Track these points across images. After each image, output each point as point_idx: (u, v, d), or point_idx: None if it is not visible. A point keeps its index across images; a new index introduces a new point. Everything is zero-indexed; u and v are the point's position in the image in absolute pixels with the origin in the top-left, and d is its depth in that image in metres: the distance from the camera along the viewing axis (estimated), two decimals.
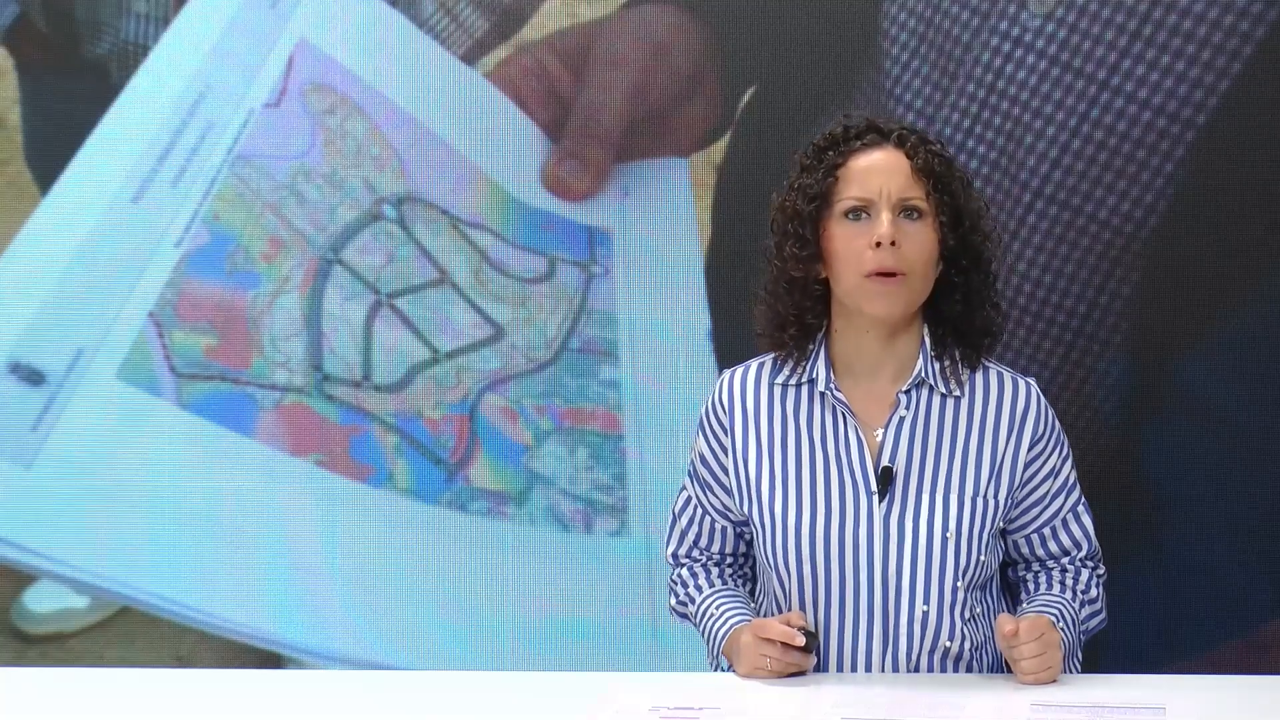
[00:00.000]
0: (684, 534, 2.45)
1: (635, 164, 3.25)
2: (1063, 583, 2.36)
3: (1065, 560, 2.38)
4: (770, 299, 2.34)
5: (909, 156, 2.26)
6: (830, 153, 2.29)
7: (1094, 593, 2.38)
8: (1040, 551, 2.38)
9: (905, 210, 2.25)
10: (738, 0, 3.18)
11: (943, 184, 2.25)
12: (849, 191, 2.26)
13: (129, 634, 3.32)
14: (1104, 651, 3.01)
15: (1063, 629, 2.26)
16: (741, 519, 2.38)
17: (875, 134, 2.29)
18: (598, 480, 3.25)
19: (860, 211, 2.25)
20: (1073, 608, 2.32)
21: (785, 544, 2.30)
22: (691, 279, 3.24)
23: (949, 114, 3.14)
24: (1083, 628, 2.36)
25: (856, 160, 2.27)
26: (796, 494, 2.31)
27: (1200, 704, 2.11)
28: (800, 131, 2.38)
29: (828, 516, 2.29)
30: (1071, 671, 2.31)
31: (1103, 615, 2.40)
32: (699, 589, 2.41)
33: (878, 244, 2.22)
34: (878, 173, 2.26)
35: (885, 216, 2.23)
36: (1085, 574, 2.37)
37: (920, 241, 2.24)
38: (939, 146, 2.30)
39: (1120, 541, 3.05)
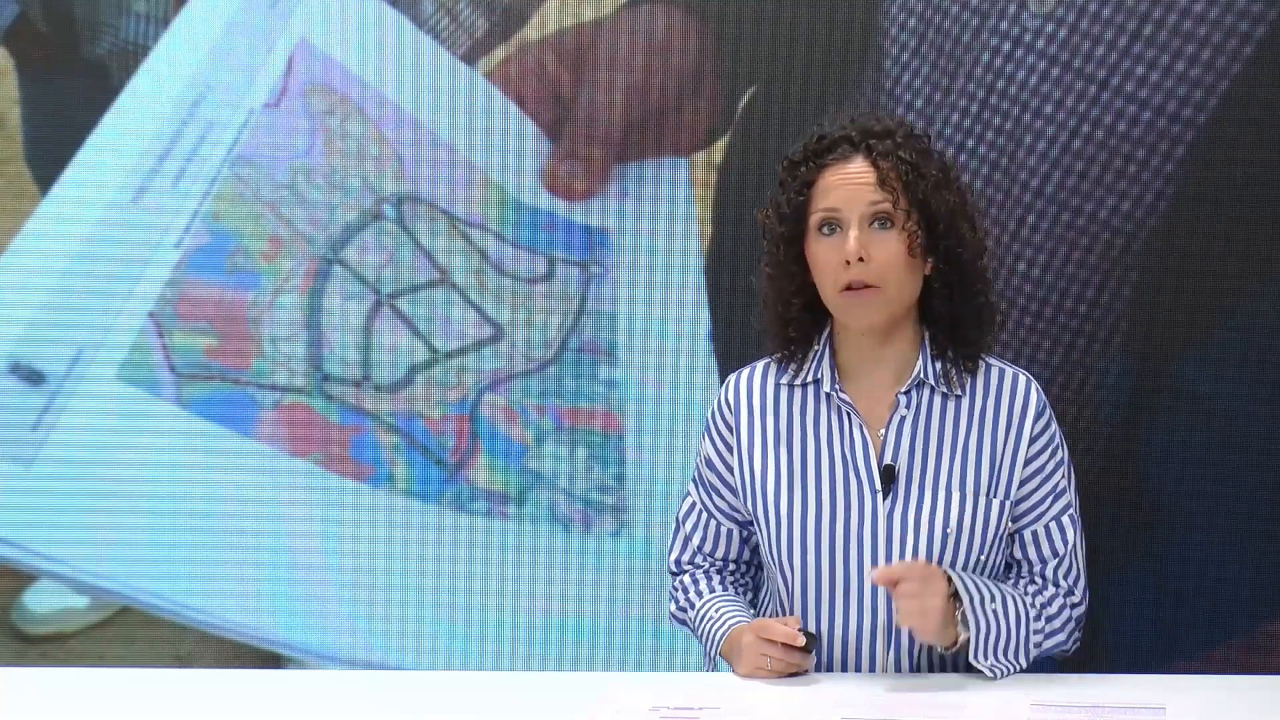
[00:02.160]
0: (688, 539, 2.45)
1: (635, 164, 3.25)
2: (1028, 586, 2.34)
3: (1040, 568, 2.36)
4: (763, 303, 2.39)
5: (875, 166, 2.29)
6: (803, 168, 2.33)
7: (1054, 609, 2.33)
8: (1019, 554, 2.37)
9: (876, 219, 2.28)
10: (738, 0, 3.18)
11: (910, 189, 2.28)
12: (820, 205, 2.31)
13: (129, 634, 3.32)
14: (1104, 651, 3.01)
15: (979, 599, 2.22)
16: (748, 520, 2.39)
17: (847, 145, 2.32)
18: (598, 480, 3.25)
19: (833, 224, 2.30)
20: (1020, 604, 2.28)
21: (789, 540, 2.31)
22: (691, 279, 3.24)
23: (949, 114, 3.14)
24: (1035, 640, 2.29)
25: (826, 175, 2.31)
26: (801, 491, 2.32)
27: (1200, 704, 2.11)
28: (800, 131, 2.38)
29: (832, 513, 2.30)
30: (1010, 673, 2.25)
31: (1063, 640, 2.34)
32: (699, 594, 2.42)
33: (847, 261, 2.26)
34: (845, 187, 2.30)
35: (853, 234, 2.27)
36: (1051, 591, 2.34)
37: (890, 250, 2.27)
38: (910, 151, 2.30)
39: (1120, 541, 3.05)
